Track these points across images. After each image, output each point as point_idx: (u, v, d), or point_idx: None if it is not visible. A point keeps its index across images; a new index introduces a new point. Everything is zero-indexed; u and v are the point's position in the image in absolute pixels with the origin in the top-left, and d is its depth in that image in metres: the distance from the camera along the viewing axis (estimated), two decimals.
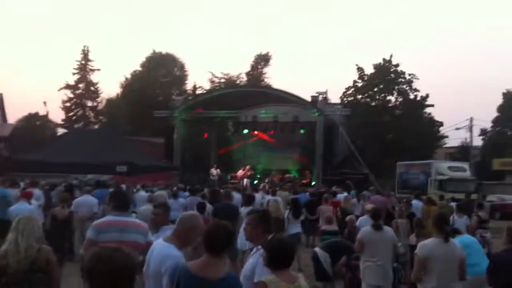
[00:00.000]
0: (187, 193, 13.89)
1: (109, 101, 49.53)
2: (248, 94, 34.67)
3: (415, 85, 45.39)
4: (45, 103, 52.65)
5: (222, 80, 50.25)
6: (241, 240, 7.62)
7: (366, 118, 40.42)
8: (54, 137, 39.89)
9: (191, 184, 18.34)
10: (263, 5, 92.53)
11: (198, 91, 47.82)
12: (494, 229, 11.78)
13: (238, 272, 4.27)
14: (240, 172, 31.50)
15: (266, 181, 27.24)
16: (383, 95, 46.06)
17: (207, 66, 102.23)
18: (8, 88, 73.13)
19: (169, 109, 34.60)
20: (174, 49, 78.11)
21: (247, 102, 33.75)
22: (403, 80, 45.52)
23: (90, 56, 49.37)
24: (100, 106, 50.25)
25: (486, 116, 66.16)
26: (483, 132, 48.63)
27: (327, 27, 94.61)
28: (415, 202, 13.29)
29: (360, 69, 46.09)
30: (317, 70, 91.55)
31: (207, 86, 49.74)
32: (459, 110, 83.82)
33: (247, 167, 32.04)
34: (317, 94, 32.59)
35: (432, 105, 45.50)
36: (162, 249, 3.99)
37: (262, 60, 52.34)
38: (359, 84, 46.39)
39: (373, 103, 45.77)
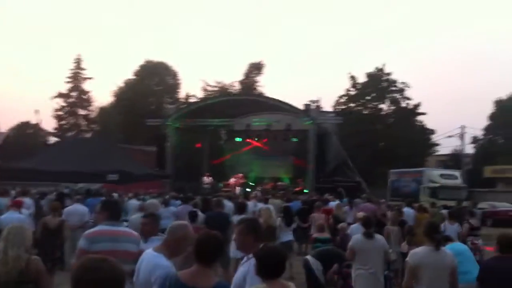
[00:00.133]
0: (178, 202, 13.84)
1: (102, 109, 49.48)
2: (241, 103, 34.76)
3: (407, 93, 45.78)
4: (37, 111, 52.54)
5: (215, 89, 50.37)
6: (234, 249, 7.60)
7: (358, 126, 40.64)
8: (46, 146, 39.73)
9: (183, 193, 18.31)
10: (257, 12, 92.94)
11: (191, 100, 47.89)
12: (486, 236, 11.88)
13: (230, 280, 4.26)
14: (232, 180, 31.48)
15: (258, 189, 27.23)
16: (375, 103, 46.35)
17: (200, 74, 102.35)
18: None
19: (162, 117, 34.60)
20: (167, 58, 78.23)
21: (240, 111, 33.82)
22: (395, 88, 45.85)
23: (83, 65, 49.42)
24: (93, 115, 50.17)
25: (477, 124, 66.70)
26: (475, 140, 48.97)
27: (319, 31, 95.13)
28: (406, 209, 13.28)
29: (352, 78, 46.42)
30: (310, 77, 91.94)
31: (200, 94, 49.90)
32: (451, 118, 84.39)
33: (240, 175, 32.05)
34: (309, 103, 32.80)
35: (424, 113, 45.89)
36: (151, 258, 3.97)
37: (255, 68, 52.55)
38: (352, 93, 46.68)
39: (366, 112, 46.04)
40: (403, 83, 45.55)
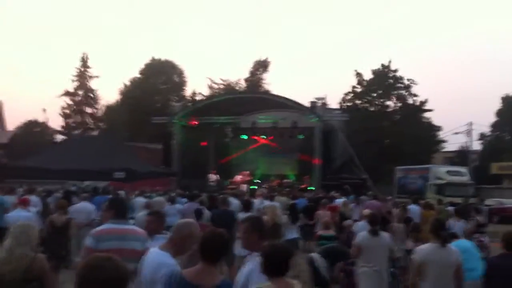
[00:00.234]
0: (184, 199, 13.86)
1: (108, 108, 49.61)
2: (247, 100, 34.71)
3: (413, 90, 45.56)
4: (44, 110, 52.71)
5: (221, 87, 50.37)
6: (239, 247, 7.60)
7: (365, 123, 40.51)
8: (52, 144, 39.87)
9: (189, 190, 18.32)
10: (262, 9, 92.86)
11: (197, 98, 47.93)
12: (493, 233, 11.81)
13: (235, 276, 4.26)
14: (238, 178, 31.49)
15: (264, 186, 27.23)
16: (381, 100, 46.17)
17: (206, 72, 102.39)
18: (7, 95, 73.01)
19: (168, 115, 34.66)
20: (173, 56, 78.32)
21: (246, 108, 33.80)
22: (401, 85, 45.63)
23: (89, 63, 49.57)
24: (99, 113, 50.32)
25: (485, 121, 66.31)
26: (482, 136, 48.72)
27: (326, 28, 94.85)
28: (412, 206, 13.23)
29: (358, 75, 46.24)
30: (316, 74, 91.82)
31: (206, 92, 49.93)
32: (458, 114, 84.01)
33: (246, 172, 32.06)
34: (316, 100, 32.76)
35: (431, 110, 45.67)
36: (156, 257, 3.98)
37: (261, 66, 52.49)
38: (358, 90, 46.52)
39: (372, 108, 45.88)
40: (409, 79, 45.34)
